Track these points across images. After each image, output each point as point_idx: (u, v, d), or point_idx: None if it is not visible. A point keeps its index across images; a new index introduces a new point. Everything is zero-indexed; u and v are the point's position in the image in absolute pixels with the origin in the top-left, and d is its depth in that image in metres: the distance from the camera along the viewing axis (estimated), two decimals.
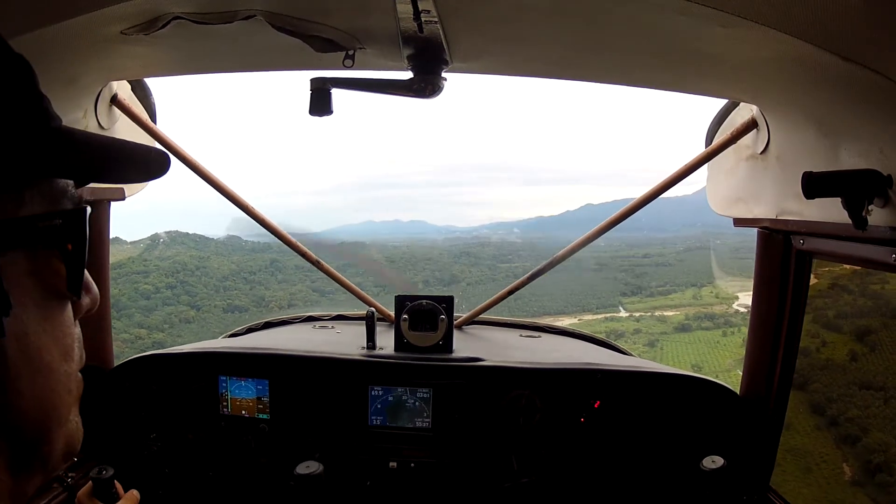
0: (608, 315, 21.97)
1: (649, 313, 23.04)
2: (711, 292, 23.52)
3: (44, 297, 0.59)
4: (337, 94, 1.77)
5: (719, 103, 2.23)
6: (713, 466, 1.94)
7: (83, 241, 0.63)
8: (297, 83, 1.87)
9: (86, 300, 0.67)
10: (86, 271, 0.65)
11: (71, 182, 0.63)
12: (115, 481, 1.69)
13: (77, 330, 0.65)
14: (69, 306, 0.64)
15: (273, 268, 19.22)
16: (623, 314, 22.61)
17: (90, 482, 1.69)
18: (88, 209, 0.64)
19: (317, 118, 1.77)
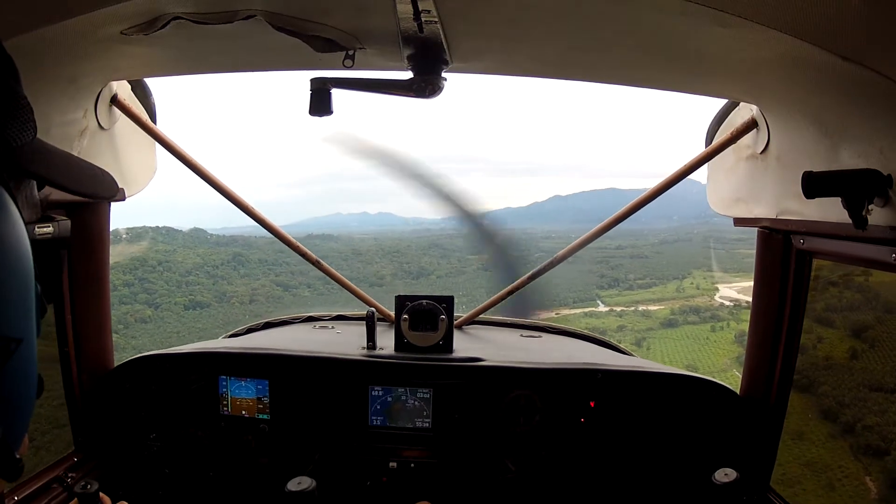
0: (587, 310, 21.56)
1: (632, 308, 22.61)
2: (692, 284, 23.35)
3: None
4: (337, 94, 1.78)
5: (717, 103, 2.23)
6: (726, 480, 1.85)
7: (59, 281, 0.67)
8: (297, 83, 1.87)
9: None
10: None
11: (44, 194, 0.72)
12: (101, 494, 1.68)
13: None
14: None
15: (236, 262, 18.97)
16: (602, 308, 22.19)
17: (75, 498, 1.68)
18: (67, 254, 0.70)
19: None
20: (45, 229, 1.44)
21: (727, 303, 21.70)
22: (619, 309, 22.28)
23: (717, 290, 22.48)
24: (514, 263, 2.82)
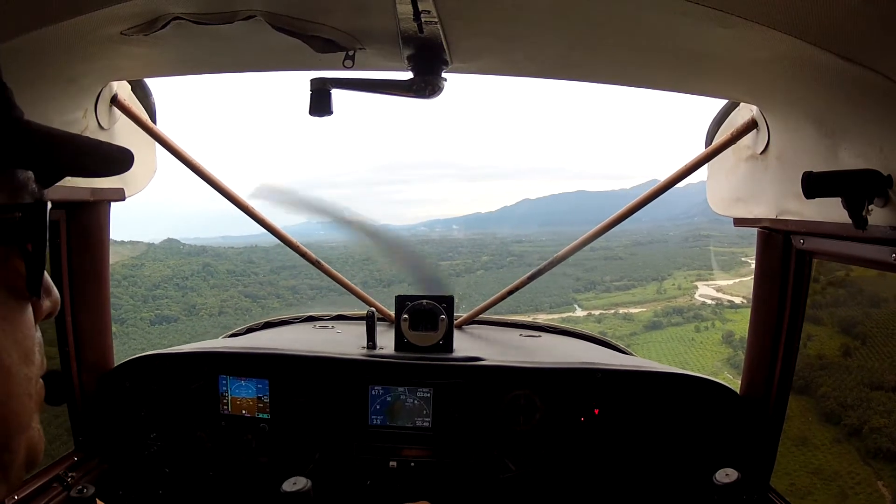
0: (564, 315, 20.97)
1: (612, 311, 22.13)
2: (673, 284, 23.05)
3: (3, 296, 0.57)
4: (337, 94, 1.78)
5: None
6: (727, 480, 1.84)
7: (43, 236, 0.60)
8: (297, 83, 1.86)
9: (46, 303, 0.65)
10: (46, 273, 0.63)
11: (32, 176, 0.61)
12: (98, 500, 1.68)
13: (38, 334, 0.63)
14: (29, 308, 0.61)
15: (205, 272, 18.60)
16: (580, 313, 21.66)
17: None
18: (49, 204, 0.62)
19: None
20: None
21: (708, 301, 21.47)
22: (597, 313, 21.83)
23: (696, 288, 22.29)
24: (433, 274, 2.93)
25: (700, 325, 20.41)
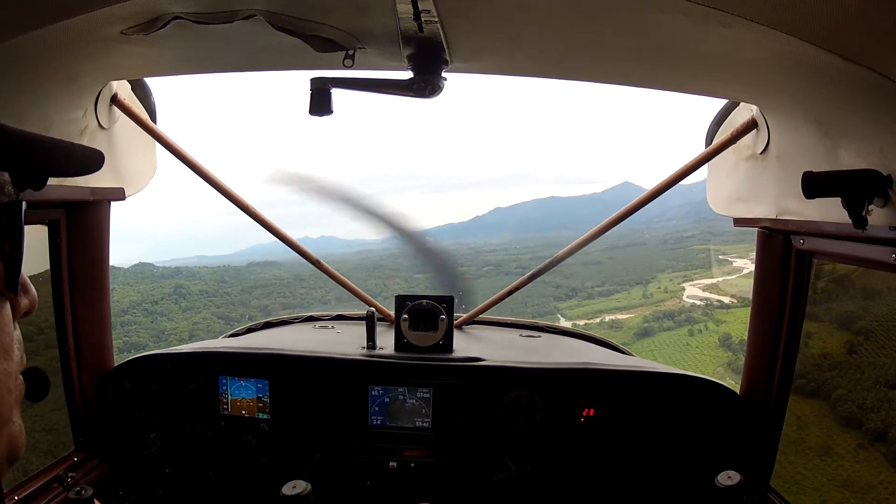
0: None
1: (597, 319, 21.39)
2: (659, 287, 22.48)
3: None
4: (337, 93, 1.77)
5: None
6: (730, 483, 1.82)
7: (20, 236, 0.63)
8: (297, 83, 1.86)
9: (24, 301, 0.67)
10: (24, 273, 0.65)
11: (7, 178, 0.63)
12: (95, 500, 1.68)
13: (17, 332, 0.65)
14: (7, 305, 0.64)
15: (177, 294, 18.38)
16: (564, 323, 20.22)
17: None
18: (24, 205, 0.65)
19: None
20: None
21: (698, 302, 21.10)
22: (582, 322, 21.11)
23: (683, 290, 21.96)
24: (457, 278, 2.86)
25: (693, 328, 19.92)
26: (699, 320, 20.23)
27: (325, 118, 1.78)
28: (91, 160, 0.78)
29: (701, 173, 2.41)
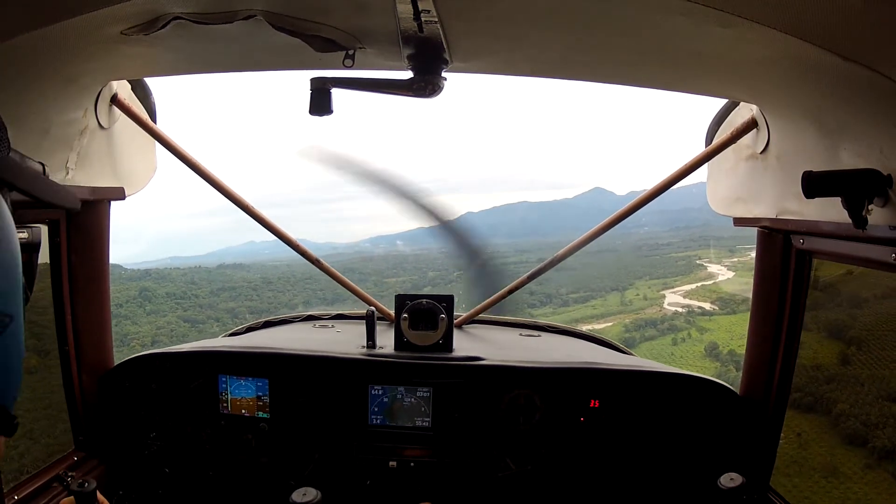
0: None
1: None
2: (638, 294, 21.88)
3: None
4: (337, 93, 1.78)
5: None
6: (732, 485, 1.82)
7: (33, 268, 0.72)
8: (297, 83, 1.85)
9: None
10: None
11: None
12: (98, 492, 1.68)
13: None
14: None
15: (142, 297, 18.01)
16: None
17: (72, 497, 1.67)
18: None
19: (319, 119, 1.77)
20: (21, 234, 1.49)
21: (680, 310, 20.52)
22: None
23: (664, 297, 21.58)
24: (495, 275, 2.79)
25: (676, 336, 19.32)
26: (682, 328, 19.69)
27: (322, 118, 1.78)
28: (67, 199, 0.98)
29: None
